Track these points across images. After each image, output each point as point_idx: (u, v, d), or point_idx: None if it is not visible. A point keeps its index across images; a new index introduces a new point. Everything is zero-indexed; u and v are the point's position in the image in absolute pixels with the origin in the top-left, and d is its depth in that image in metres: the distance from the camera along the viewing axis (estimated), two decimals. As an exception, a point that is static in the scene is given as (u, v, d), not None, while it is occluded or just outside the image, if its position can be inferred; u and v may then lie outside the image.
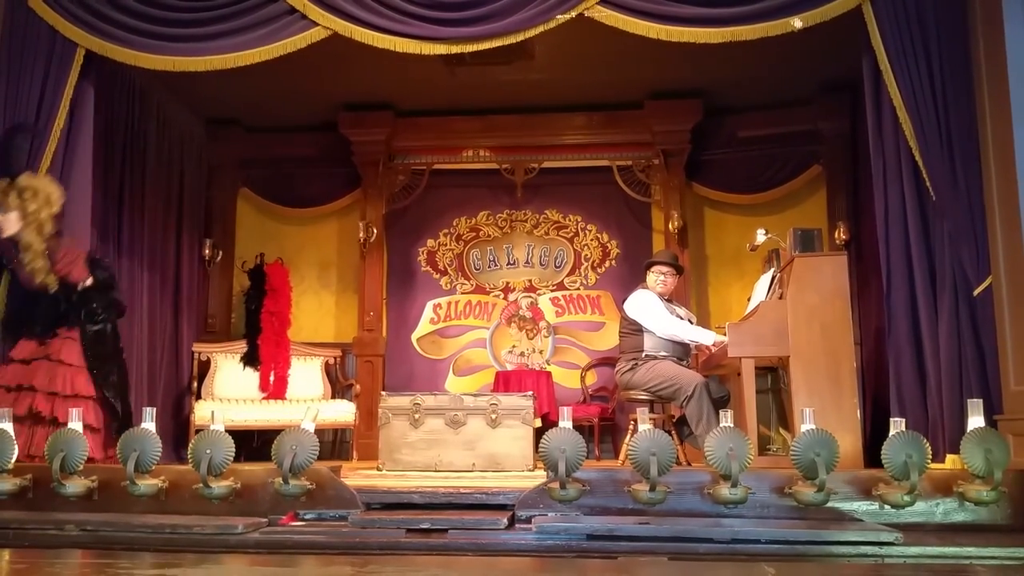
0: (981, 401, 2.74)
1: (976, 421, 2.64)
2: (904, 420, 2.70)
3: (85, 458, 2.84)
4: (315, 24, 3.92)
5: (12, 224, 3.61)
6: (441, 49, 3.96)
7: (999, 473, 2.50)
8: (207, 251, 6.00)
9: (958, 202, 3.46)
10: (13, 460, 2.89)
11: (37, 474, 2.91)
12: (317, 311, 6.34)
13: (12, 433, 2.92)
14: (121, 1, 3.98)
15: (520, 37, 3.90)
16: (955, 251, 3.46)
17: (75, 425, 2.89)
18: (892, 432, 2.62)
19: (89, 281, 3.74)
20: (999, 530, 2.61)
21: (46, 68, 3.96)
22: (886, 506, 2.63)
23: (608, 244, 6.32)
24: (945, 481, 2.70)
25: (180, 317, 5.63)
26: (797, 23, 3.67)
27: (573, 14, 3.81)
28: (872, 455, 3.16)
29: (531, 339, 6.22)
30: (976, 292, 3.39)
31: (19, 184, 3.64)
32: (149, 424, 2.90)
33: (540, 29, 3.87)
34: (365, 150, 6.09)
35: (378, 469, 4.11)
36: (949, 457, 3.23)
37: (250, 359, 5.69)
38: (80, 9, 3.98)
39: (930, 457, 2.60)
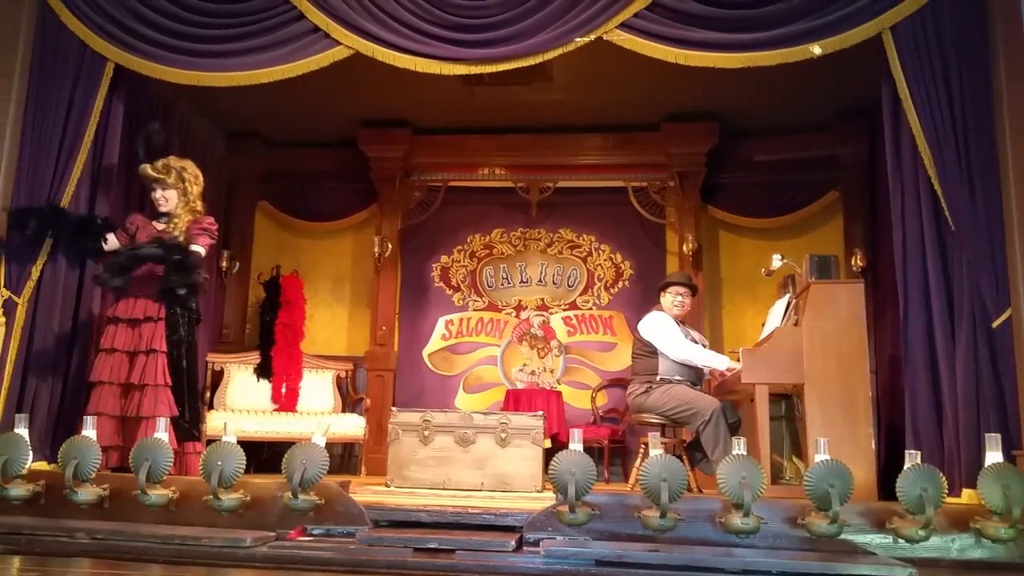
0: (999, 435, 2.70)
1: (994, 456, 2.60)
2: (919, 452, 2.67)
3: (98, 466, 2.87)
4: (338, 43, 3.98)
5: (172, 201, 3.87)
6: (461, 70, 4.00)
7: (1018, 510, 2.46)
8: (224, 262, 6.05)
9: (977, 231, 3.42)
10: (28, 466, 2.92)
11: (50, 480, 2.94)
12: (330, 324, 6.38)
13: (27, 438, 2.96)
14: (150, 16, 4.07)
15: (539, 59, 3.94)
16: (974, 281, 3.42)
17: (89, 433, 2.92)
18: (907, 464, 2.59)
19: (199, 249, 3.75)
20: (1017, 569, 2.56)
21: (75, 80, 4.05)
22: (900, 540, 2.59)
23: (621, 265, 6.31)
24: (961, 516, 2.65)
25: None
26: (816, 50, 3.67)
27: (592, 37, 3.84)
28: (886, 487, 3.11)
29: (542, 358, 6.20)
30: (995, 324, 3.34)
31: (174, 164, 3.90)
32: (161, 434, 2.93)
33: (559, 51, 3.91)
34: (382, 166, 6.15)
35: (386, 485, 4.11)
36: (965, 491, 3.17)
37: (263, 370, 5.72)
38: (110, 24, 4.06)
39: (946, 491, 2.56)
